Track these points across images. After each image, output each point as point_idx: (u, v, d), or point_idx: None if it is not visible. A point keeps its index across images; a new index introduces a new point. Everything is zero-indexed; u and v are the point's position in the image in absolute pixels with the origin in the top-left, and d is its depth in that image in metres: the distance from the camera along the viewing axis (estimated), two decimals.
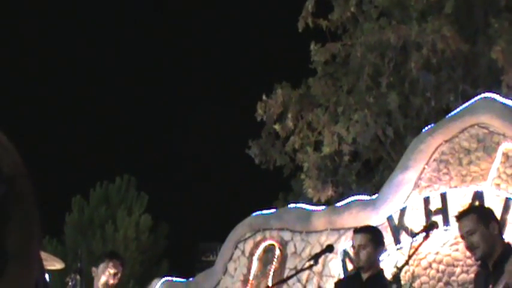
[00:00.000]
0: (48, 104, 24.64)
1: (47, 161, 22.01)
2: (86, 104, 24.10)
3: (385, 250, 5.55)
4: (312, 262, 5.05)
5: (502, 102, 7.95)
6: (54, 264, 5.26)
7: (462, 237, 4.33)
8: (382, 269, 5.48)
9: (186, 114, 24.08)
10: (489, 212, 4.52)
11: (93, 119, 23.75)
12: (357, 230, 5.38)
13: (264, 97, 13.36)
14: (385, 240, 8.13)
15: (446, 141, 8.35)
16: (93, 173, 20.03)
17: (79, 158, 22.49)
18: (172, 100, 25.18)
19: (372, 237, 5.29)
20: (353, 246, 5.24)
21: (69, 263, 5.08)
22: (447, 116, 8.60)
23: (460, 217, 4.39)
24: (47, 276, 5.34)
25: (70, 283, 5.14)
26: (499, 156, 7.69)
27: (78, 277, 5.20)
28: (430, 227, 4.67)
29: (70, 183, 20.85)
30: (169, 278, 11.28)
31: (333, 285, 5.85)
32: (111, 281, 5.83)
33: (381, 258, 8.08)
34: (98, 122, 23.67)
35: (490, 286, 3.88)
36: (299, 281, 9.05)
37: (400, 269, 4.28)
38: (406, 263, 4.46)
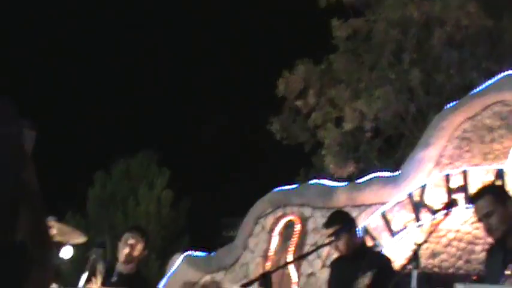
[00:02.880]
0: (70, 79, 24.78)
1: (70, 136, 22.18)
2: (110, 80, 24.16)
3: (357, 226, 5.53)
4: (332, 238, 5.08)
5: None
6: (76, 238, 5.31)
7: (479, 219, 4.20)
8: (362, 242, 5.56)
9: (208, 90, 24.10)
10: (504, 191, 4.39)
11: (115, 94, 23.82)
12: (326, 224, 5.36)
13: (285, 73, 13.33)
14: (405, 217, 8.24)
15: (468, 119, 8.29)
16: (116, 149, 20.15)
17: (101, 133, 22.61)
18: (195, 76, 25.21)
19: (341, 227, 5.28)
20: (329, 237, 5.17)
21: (91, 237, 5.12)
22: (470, 93, 8.54)
23: (475, 199, 4.23)
24: (69, 249, 5.40)
25: (92, 256, 5.21)
26: None
27: (100, 251, 5.27)
28: (450, 204, 4.62)
29: (93, 158, 21.01)
30: (191, 253, 11.37)
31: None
32: (132, 253, 5.89)
33: (400, 236, 8.17)
34: (121, 97, 23.74)
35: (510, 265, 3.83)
36: (319, 257, 9.08)
37: (419, 246, 4.24)
38: (426, 240, 4.44)
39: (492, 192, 4.23)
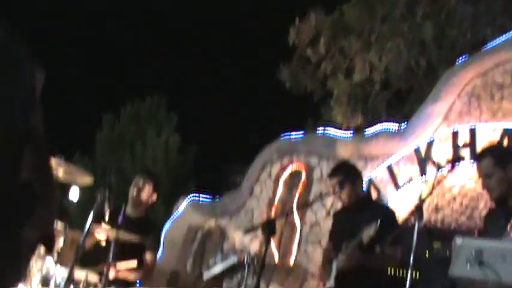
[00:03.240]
0: (80, 22, 24.63)
1: (80, 78, 22.17)
2: (118, 23, 24.01)
3: (362, 178, 5.57)
4: (336, 188, 5.11)
5: None
6: (83, 178, 5.37)
7: (481, 178, 4.32)
8: (365, 194, 5.63)
9: (217, 36, 23.94)
10: (508, 154, 4.47)
11: (125, 38, 23.70)
12: (330, 174, 5.42)
13: (297, 21, 13.21)
14: (411, 170, 8.27)
15: (479, 75, 8.23)
16: (125, 92, 20.15)
17: (111, 76, 22.59)
18: (204, 20, 24.99)
19: (345, 177, 5.30)
20: (332, 187, 5.28)
21: (98, 178, 5.18)
22: (482, 49, 8.43)
23: (478, 158, 4.37)
24: (75, 190, 5.46)
25: (99, 197, 5.28)
26: None
27: (107, 192, 5.33)
28: (456, 160, 4.64)
29: (101, 101, 21.03)
30: (196, 197, 11.46)
31: None
32: (140, 195, 5.96)
33: (405, 190, 8.21)
34: (130, 41, 23.63)
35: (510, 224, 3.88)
36: (323, 206, 9.15)
37: (423, 201, 4.29)
38: (430, 193, 4.46)
39: (494, 154, 4.32)
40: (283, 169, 10.13)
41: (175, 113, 19.42)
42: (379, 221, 4.52)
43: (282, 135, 10.38)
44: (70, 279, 5.24)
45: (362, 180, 5.48)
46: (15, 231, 1.80)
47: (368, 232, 4.52)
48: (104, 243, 5.53)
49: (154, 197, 6.10)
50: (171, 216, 11.44)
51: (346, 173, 5.27)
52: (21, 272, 1.97)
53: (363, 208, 5.14)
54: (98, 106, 20.16)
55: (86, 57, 23.21)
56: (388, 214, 5.05)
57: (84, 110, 20.66)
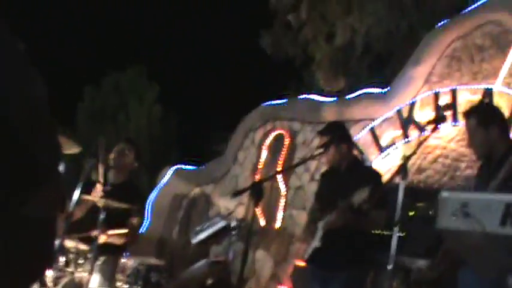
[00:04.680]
0: None
1: (59, 51, 21.97)
2: None
3: (352, 141, 5.61)
4: (321, 150, 5.15)
5: None
6: (70, 148, 5.39)
7: (466, 135, 4.44)
8: (356, 156, 5.68)
9: (197, 3, 23.77)
10: (491, 114, 4.49)
11: (104, 8, 23.46)
12: (320, 132, 5.42)
13: None
14: (394, 133, 8.36)
15: (459, 38, 8.29)
16: (105, 63, 20.03)
17: (90, 47, 22.42)
18: None
19: (332, 137, 5.34)
20: (319, 145, 5.24)
21: (82, 151, 5.19)
22: (462, 12, 8.48)
23: (464, 117, 4.48)
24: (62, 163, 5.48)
25: (87, 166, 5.31)
26: (511, 55, 7.63)
27: (94, 160, 5.37)
28: (438, 119, 4.68)
29: (81, 73, 20.88)
30: (181, 166, 11.52)
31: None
32: (123, 159, 6.02)
33: (388, 151, 8.30)
34: (109, 11, 23.41)
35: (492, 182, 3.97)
36: (307, 170, 9.24)
37: (407, 158, 4.35)
38: (414, 153, 4.53)
39: (478, 114, 4.39)
40: (266, 135, 10.20)
41: (157, 83, 19.34)
42: (372, 185, 4.57)
43: (264, 101, 10.42)
44: (61, 248, 5.32)
45: (352, 143, 5.50)
46: (16, 207, 1.79)
47: (360, 195, 4.55)
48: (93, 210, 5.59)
49: (136, 164, 6.15)
50: (156, 186, 11.50)
51: (334, 133, 5.29)
52: (31, 251, 1.94)
53: (352, 170, 5.19)
54: (78, 78, 20.02)
55: (66, 29, 22.98)
56: (377, 178, 5.09)
57: (65, 81, 20.50)
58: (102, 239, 5.47)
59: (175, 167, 11.50)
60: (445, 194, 3.15)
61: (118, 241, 5.77)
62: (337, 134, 5.33)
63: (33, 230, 1.87)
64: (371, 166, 7.50)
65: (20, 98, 1.80)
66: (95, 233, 5.35)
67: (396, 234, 4.21)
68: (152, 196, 11.23)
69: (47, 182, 1.87)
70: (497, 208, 2.80)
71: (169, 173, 11.40)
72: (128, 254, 6.10)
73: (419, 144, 4.54)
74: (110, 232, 5.59)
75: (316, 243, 5.10)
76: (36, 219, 1.86)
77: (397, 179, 4.34)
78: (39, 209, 1.86)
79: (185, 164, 11.59)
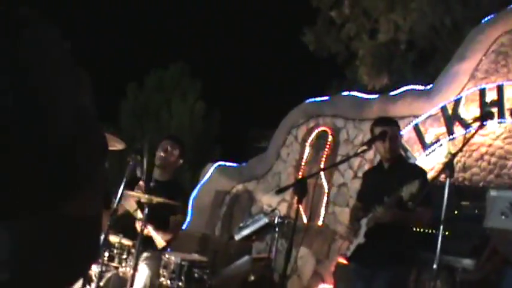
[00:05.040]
0: None
1: (103, 48, 22.22)
2: None
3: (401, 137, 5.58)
4: (364, 148, 5.13)
5: None
6: (114, 145, 5.45)
7: None
8: (401, 154, 5.64)
9: (240, 0, 23.81)
10: None
11: (146, 6, 23.69)
12: (389, 121, 5.38)
13: None
14: (438, 130, 8.27)
15: (506, 33, 8.16)
16: (148, 61, 20.18)
17: (133, 45, 22.63)
18: None
19: (398, 128, 5.34)
20: (381, 135, 5.13)
21: (126, 147, 5.25)
22: (508, 7, 8.32)
23: (511, 114, 4.39)
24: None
25: (130, 163, 5.37)
26: None
27: (138, 157, 5.42)
28: (485, 116, 4.59)
29: (125, 70, 21.08)
30: (223, 163, 11.58)
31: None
32: (168, 157, 6.07)
33: (432, 148, 8.22)
34: (151, 10, 23.62)
35: None
36: (350, 167, 9.21)
37: (453, 155, 4.29)
38: (460, 150, 4.47)
39: None
40: (309, 132, 10.19)
41: (199, 80, 19.43)
42: (420, 180, 4.55)
43: (307, 99, 10.41)
44: (105, 243, 5.39)
45: (401, 140, 5.48)
46: (53, 207, 1.80)
47: (410, 189, 4.52)
48: (137, 212, 5.65)
49: (181, 161, 6.19)
50: (199, 182, 11.58)
51: (391, 125, 5.27)
52: (73, 251, 1.96)
53: (397, 167, 5.16)
54: (121, 76, 20.21)
55: (107, 27, 23.23)
56: (424, 174, 5.06)
57: (108, 79, 20.75)
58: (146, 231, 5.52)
59: (218, 163, 11.56)
60: (493, 192, 3.12)
61: (162, 238, 5.82)
62: (394, 127, 5.31)
63: (77, 228, 1.89)
64: (416, 163, 7.43)
65: (67, 106, 1.82)
66: (138, 229, 5.40)
67: (441, 232, 4.16)
68: (195, 193, 11.31)
69: (89, 182, 1.90)
70: None
71: (211, 169, 11.47)
72: (170, 250, 6.15)
73: (465, 141, 4.47)
74: (149, 228, 5.64)
75: (359, 240, 5.09)
76: (80, 217, 1.88)
77: (443, 177, 4.29)
78: (83, 207, 1.87)
79: (227, 161, 11.65)
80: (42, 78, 1.78)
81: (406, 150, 8.35)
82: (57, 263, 1.87)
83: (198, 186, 11.46)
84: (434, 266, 4.15)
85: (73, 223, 1.87)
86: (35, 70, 1.77)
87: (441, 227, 4.15)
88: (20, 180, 1.70)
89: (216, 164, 11.58)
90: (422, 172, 5.12)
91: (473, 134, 4.52)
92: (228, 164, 11.57)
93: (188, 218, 10.85)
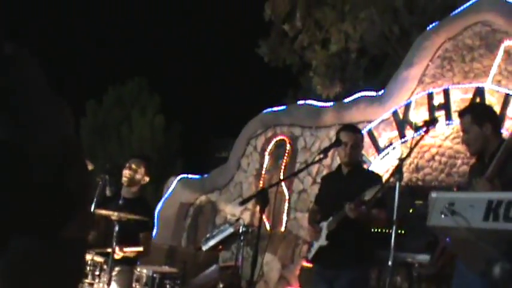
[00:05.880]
0: (59, 7, 24.50)
1: (60, 67, 22.14)
2: (97, 8, 23.91)
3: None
4: (321, 156, 5.34)
5: (505, 1, 8.00)
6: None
7: (462, 131, 4.64)
8: (360, 161, 5.92)
9: (196, 15, 23.96)
10: (485, 113, 4.67)
11: (103, 23, 23.65)
12: (353, 129, 5.59)
13: None
14: (391, 134, 8.60)
15: (450, 39, 8.52)
16: (105, 78, 20.12)
17: (90, 63, 22.56)
18: (183, 1, 24.95)
19: (362, 137, 5.63)
20: (344, 144, 5.34)
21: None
22: (451, 14, 8.69)
23: (459, 115, 4.68)
24: None
25: (100, 182, 5.56)
26: (500, 54, 7.87)
27: (107, 177, 5.62)
28: (430, 122, 4.82)
29: (83, 88, 21.00)
30: (185, 176, 11.71)
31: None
32: (135, 176, 6.24)
33: (386, 152, 8.55)
34: (107, 25, 23.58)
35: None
36: (309, 174, 9.46)
37: (402, 161, 4.59)
38: (408, 154, 4.77)
39: (473, 112, 4.60)
40: (267, 141, 10.40)
41: (158, 94, 19.47)
42: (379, 185, 4.83)
43: (264, 108, 10.63)
44: None
45: (362, 148, 5.73)
46: (56, 231, 1.96)
47: (371, 192, 4.78)
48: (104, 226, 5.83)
49: (147, 178, 6.37)
50: (163, 196, 11.70)
51: (355, 133, 5.53)
52: (70, 266, 2.14)
53: (355, 173, 5.41)
54: (79, 94, 20.14)
55: (62, 45, 23.15)
56: (381, 180, 5.28)
57: (67, 98, 20.66)
58: (119, 255, 5.72)
59: (180, 176, 11.69)
60: (434, 194, 3.43)
61: (131, 254, 6.02)
62: (359, 134, 5.57)
63: (69, 249, 2.06)
64: (372, 170, 7.73)
65: (55, 136, 2.01)
66: (110, 249, 5.59)
67: (395, 231, 4.46)
68: (159, 206, 11.43)
69: (81, 207, 2.09)
70: (480, 205, 3.07)
71: (174, 182, 11.60)
72: (138, 262, 6.35)
73: (412, 146, 4.77)
74: (126, 249, 5.84)
75: (320, 242, 5.30)
76: (71, 238, 2.04)
77: (393, 179, 4.58)
78: (75, 228, 2.03)
79: (189, 173, 11.78)
80: (30, 112, 1.97)
81: (361, 154, 8.63)
82: (48, 283, 2.01)
83: (163, 199, 11.56)
84: (390, 263, 4.43)
85: (65, 244, 2.03)
86: (24, 105, 1.97)
87: (394, 227, 4.45)
88: (22, 207, 1.89)
89: (178, 177, 11.70)
90: (379, 178, 5.39)
91: (420, 139, 4.83)
92: (190, 176, 11.69)
93: (154, 231, 10.96)
